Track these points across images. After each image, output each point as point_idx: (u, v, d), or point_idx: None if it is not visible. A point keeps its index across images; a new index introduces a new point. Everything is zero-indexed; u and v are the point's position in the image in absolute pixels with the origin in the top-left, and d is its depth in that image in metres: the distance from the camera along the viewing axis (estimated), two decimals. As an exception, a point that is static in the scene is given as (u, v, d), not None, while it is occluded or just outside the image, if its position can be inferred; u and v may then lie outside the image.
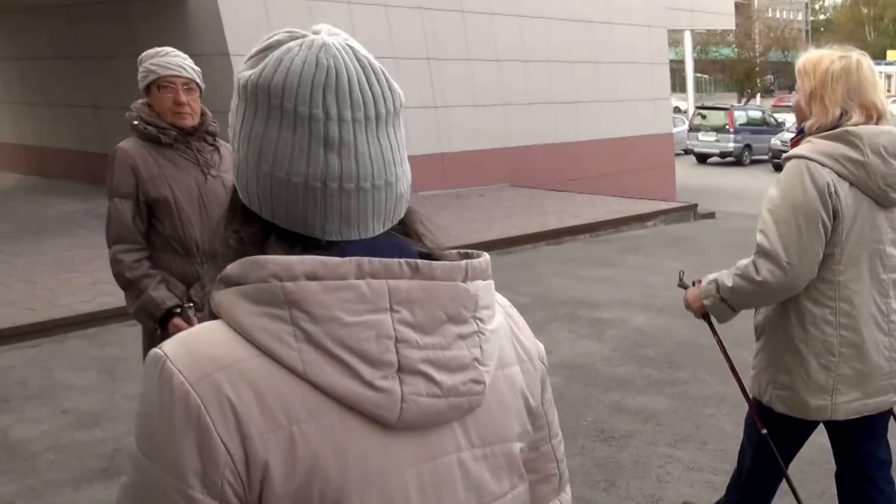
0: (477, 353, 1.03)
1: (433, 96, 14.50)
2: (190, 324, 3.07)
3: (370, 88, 1.00)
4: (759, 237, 2.68)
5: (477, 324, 1.04)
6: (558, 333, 6.65)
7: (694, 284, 3.04)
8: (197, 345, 0.96)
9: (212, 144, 3.27)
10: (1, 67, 17.13)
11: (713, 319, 3.03)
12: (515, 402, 1.12)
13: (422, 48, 14.22)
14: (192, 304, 3.17)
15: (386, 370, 0.96)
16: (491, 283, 1.09)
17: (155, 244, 3.23)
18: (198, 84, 3.17)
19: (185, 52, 3.25)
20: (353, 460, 0.96)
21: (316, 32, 1.03)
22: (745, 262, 2.75)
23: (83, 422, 4.98)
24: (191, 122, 3.17)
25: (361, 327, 0.95)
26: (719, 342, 3.27)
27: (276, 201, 1.00)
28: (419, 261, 1.00)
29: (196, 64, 3.23)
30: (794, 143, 2.76)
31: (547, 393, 1.21)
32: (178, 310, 3.13)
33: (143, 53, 3.16)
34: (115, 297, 4.89)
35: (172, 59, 3.11)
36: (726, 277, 2.82)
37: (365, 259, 0.96)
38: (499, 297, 1.17)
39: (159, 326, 3.16)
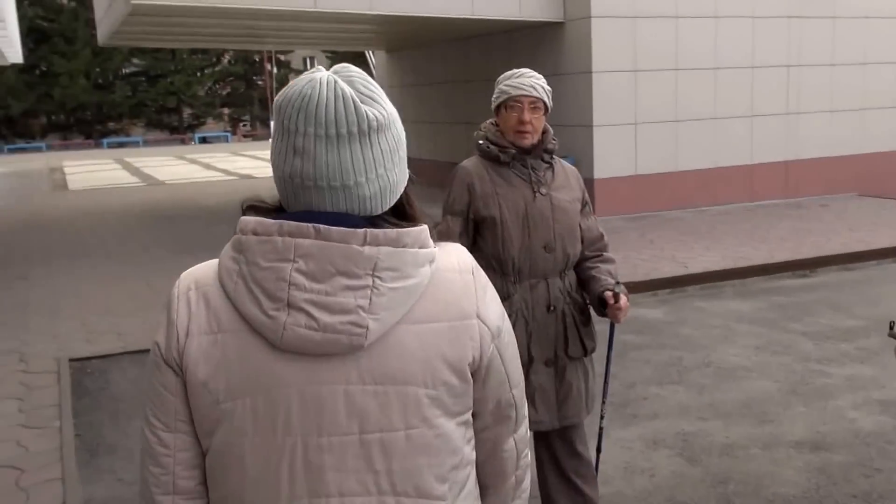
0: (363, 303, 1.18)
1: (787, 103, 13.35)
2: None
3: (334, 113, 1.18)
4: None
5: (374, 280, 1.18)
6: (893, 364, 5.66)
7: None
8: (195, 271, 1.29)
9: (547, 162, 3.02)
10: (401, 92, 18.55)
11: None
12: (424, 353, 1.22)
13: (782, 56, 13.24)
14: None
15: (278, 304, 1.18)
16: (403, 250, 1.20)
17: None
18: (545, 103, 2.94)
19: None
20: (251, 366, 1.20)
21: (328, 70, 1.24)
22: None
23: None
24: (530, 140, 2.95)
25: (270, 271, 1.18)
26: None
27: (276, 186, 1.26)
28: (323, 226, 1.18)
29: (561, 81, 3.04)
30: None
31: (507, 352, 1.32)
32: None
33: (500, 76, 3.01)
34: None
35: (525, 80, 2.91)
36: None
37: (286, 222, 1.19)
38: (458, 260, 1.32)
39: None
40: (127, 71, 47.43)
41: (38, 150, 42.32)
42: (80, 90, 43.42)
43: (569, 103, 11.79)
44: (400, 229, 1.21)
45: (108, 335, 6.74)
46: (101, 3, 14.10)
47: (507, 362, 1.32)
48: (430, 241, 1.26)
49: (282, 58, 50.23)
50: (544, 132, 3.00)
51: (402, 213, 1.29)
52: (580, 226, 3.03)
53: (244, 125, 53.68)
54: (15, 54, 27.13)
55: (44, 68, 43.75)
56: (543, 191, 2.96)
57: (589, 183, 11.64)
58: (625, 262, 8.70)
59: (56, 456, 4.35)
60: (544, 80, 2.97)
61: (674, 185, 12.62)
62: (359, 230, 1.18)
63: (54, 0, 44.18)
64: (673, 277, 8.22)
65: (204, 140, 45.94)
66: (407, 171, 1.30)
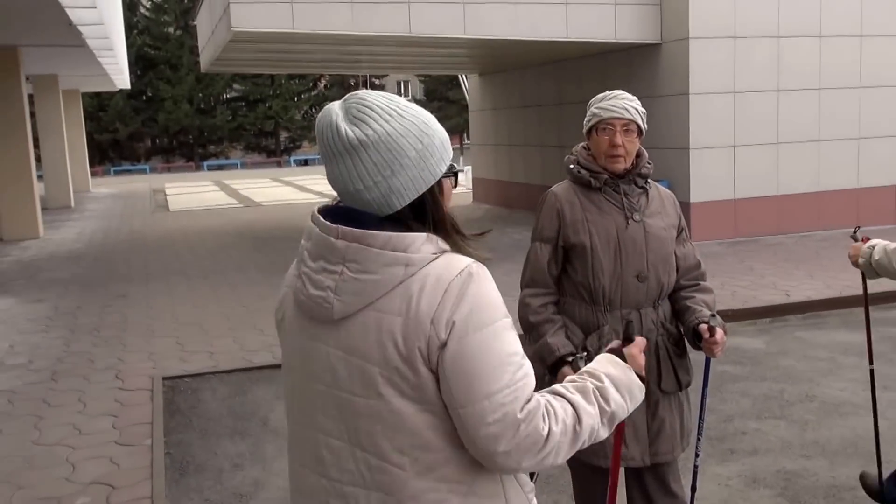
0: (332, 284, 1.46)
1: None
2: (579, 375, 2.77)
3: (324, 136, 1.46)
4: None
5: (342, 269, 1.44)
6: None
7: (862, 240, 3.25)
8: None
9: (641, 187, 2.89)
10: (493, 115, 18.57)
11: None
12: (379, 337, 1.43)
13: (892, 75, 12.74)
14: (585, 354, 2.86)
15: (299, 272, 1.54)
16: (367, 248, 1.42)
17: (564, 289, 2.96)
18: (638, 126, 2.82)
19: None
20: (289, 316, 1.60)
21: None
22: None
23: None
24: (623, 164, 2.83)
25: (302, 247, 1.54)
26: (865, 297, 3.73)
27: None
28: (322, 219, 1.48)
29: (657, 103, 2.94)
30: None
31: (451, 366, 1.40)
32: (570, 358, 2.85)
33: (592, 98, 2.91)
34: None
35: (617, 102, 2.80)
36: (879, 251, 3.11)
37: (315, 214, 1.52)
38: (446, 267, 1.44)
39: (549, 373, 2.91)
40: (228, 96, 49.16)
41: (142, 172, 44.24)
42: (183, 114, 45.22)
43: (665, 126, 11.60)
44: (367, 231, 1.43)
45: (201, 354, 6.89)
46: (205, 31, 14.63)
47: (449, 377, 1.41)
48: (414, 247, 1.42)
49: (377, 82, 51.09)
50: (638, 156, 2.88)
51: (422, 215, 1.48)
52: (675, 253, 2.90)
53: (338, 148, 54.62)
54: (123, 81, 28.40)
55: (150, 94, 45.82)
56: (636, 217, 2.84)
57: (685, 207, 11.35)
58: (723, 290, 8.41)
59: (146, 474, 4.42)
60: (638, 102, 2.85)
61: (775, 209, 12.19)
62: (333, 226, 1.45)
63: (162, 29, 46.21)
64: (773, 306, 7.90)
65: (304, 163, 47.08)
66: (429, 178, 1.46)
